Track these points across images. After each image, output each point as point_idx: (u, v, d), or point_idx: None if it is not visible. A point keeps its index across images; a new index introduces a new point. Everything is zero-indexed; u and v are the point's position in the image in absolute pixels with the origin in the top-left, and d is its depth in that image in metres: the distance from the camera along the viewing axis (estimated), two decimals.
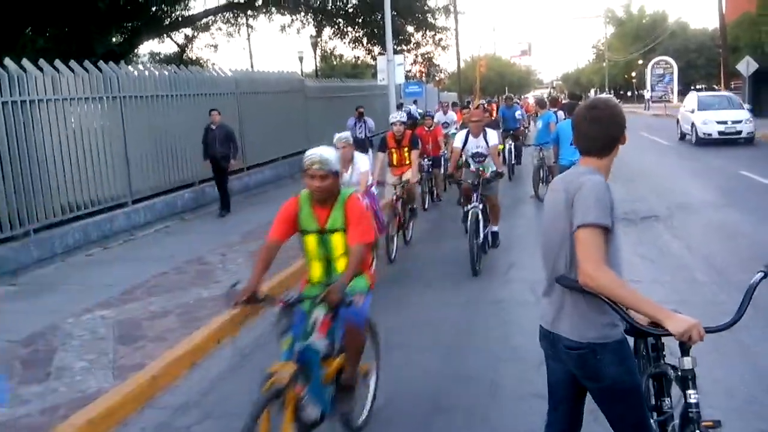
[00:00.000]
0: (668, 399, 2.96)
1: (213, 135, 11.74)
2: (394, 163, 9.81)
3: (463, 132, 8.91)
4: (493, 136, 8.79)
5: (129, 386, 4.76)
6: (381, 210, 7.82)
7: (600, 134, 2.70)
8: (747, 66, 26.17)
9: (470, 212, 7.90)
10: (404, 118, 9.83)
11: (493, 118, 17.54)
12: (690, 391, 2.62)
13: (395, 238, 8.81)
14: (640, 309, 2.50)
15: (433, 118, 13.98)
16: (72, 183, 9.57)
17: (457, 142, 8.83)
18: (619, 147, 2.74)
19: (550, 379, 2.90)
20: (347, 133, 7.27)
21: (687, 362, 2.61)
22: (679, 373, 2.67)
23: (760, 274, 2.72)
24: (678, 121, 24.57)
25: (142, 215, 10.86)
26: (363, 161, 7.66)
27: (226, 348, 5.86)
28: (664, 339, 2.99)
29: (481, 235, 7.99)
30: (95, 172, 10.07)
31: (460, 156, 8.93)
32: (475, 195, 8.14)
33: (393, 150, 9.70)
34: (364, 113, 16.61)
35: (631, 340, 2.89)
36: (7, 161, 8.51)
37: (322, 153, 3.71)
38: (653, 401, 3.03)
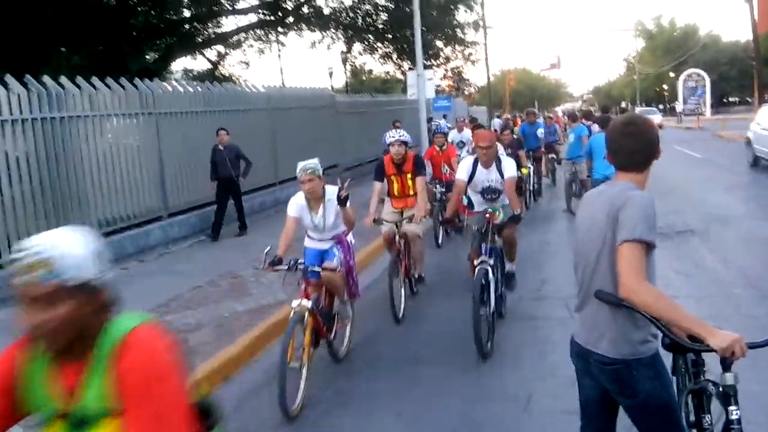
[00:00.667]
0: (709, 416, 2.93)
1: (222, 156, 11.32)
2: (395, 193, 7.70)
3: (470, 159, 6.78)
4: (510, 166, 6.60)
5: None
6: (356, 268, 6.07)
7: (637, 149, 2.72)
8: None
9: (477, 270, 5.90)
10: (405, 138, 7.36)
11: (515, 136, 14.55)
12: (732, 408, 2.59)
13: (401, 291, 7.08)
14: (682, 324, 2.49)
15: (446, 135, 12.12)
16: (108, 197, 9.77)
17: (461, 173, 6.67)
18: (653, 162, 2.75)
19: (582, 396, 2.90)
20: (314, 162, 5.39)
21: (729, 378, 2.58)
22: (721, 389, 2.65)
23: None
24: (749, 142, 18.15)
25: (177, 229, 11.02)
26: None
27: (260, 362, 5.91)
28: (704, 355, 2.96)
29: (492, 303, 5.94)
30: (131, 186, 10.26)
31: (465, 192, 6.89)
32: (483, 247, 6.17)
33: (393, 177, 7.59)
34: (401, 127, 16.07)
35: (667, 356, 2.87)
36: (46, 176, 8.72)
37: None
38: (693, 417, 3.00)
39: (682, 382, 3.01)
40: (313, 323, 5.18)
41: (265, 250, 5.17)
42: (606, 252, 2.62)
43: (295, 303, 5.06)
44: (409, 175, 7.50)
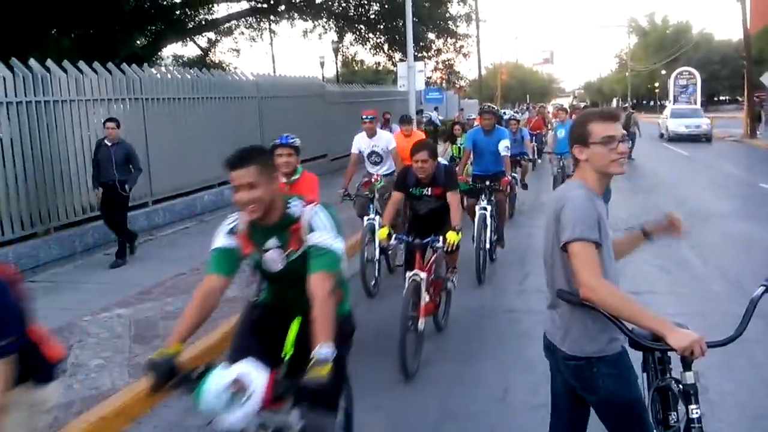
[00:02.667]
0: (674, 413, 2.95)
1: (107, 154, 8.63)
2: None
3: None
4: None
5: (143, 385, 4.82)
6: None
7: None
8: None
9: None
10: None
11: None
12: (692, 406, 2.60)
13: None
14: (641, 322, 2.50)
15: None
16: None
17: None
18: None
19: (552, 389, 2.92)
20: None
21: (689, 377, 2.60)
22: (681, 388, 2.67)
23: (762, 288, 2.72)
24: None
25: (162, 216, 10.98)
26: None
27: None
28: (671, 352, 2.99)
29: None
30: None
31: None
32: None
33: None
34: (391, 119, 15.66)
35: (637, 354, 2.90)
36: (29, 160, 8.66)
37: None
38: (660, 415, 3.02)
39: (651, 379, 3.04)
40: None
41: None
42: (557, 251, 2.64)
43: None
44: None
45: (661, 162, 20.76)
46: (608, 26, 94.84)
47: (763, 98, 37.18)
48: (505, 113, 18.99)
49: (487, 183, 8.35)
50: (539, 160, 19.02)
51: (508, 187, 9.24)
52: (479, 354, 5.65)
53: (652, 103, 74.60)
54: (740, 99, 53.52)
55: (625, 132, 2.71)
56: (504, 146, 8.56)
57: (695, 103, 57.05)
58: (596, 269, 2.48)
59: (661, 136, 31.16)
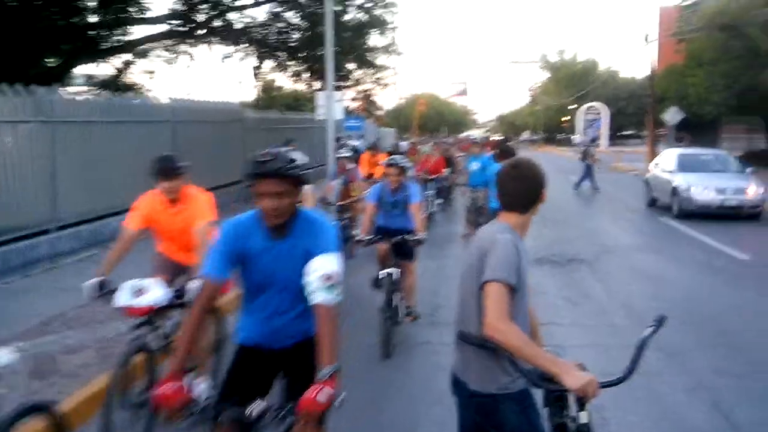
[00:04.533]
0: None
1: None
2: None
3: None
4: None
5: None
6: None
7: (522, 192, 2.84)
8: (673, 116, 27.40)
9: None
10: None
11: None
12: None
13: None
14: (538, 364, 2.59)
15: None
16: None
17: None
18: (539, 205, 2.88)
19: (459, 424, 2.98)
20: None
21: (583, 416, 2.73)
22: (576, 427, 2.78)
23: (650, 329, 2.87)
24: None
25: (67, 243, 10.56)
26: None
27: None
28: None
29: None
30: (19, 196, 9.77)
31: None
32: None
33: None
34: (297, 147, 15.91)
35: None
36: None
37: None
38: None
39: (552, 414, 3.13)
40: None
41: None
42: (476, 290, 2.72)
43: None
44: None
45: (569, 194, 21.53)
46: (520, 62, 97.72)
47: (664, 134, 39.22)
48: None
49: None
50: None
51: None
52: (390, 388, 5.67)
53: (560, 136, 77.41)
54: (643, 134, 56.31)
55: None
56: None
57: (602, 138, 59.89)
58: (503, 311, 2.58)
59: (653, 203, 18.20)
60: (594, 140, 23.03)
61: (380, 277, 6.64)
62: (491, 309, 2.58)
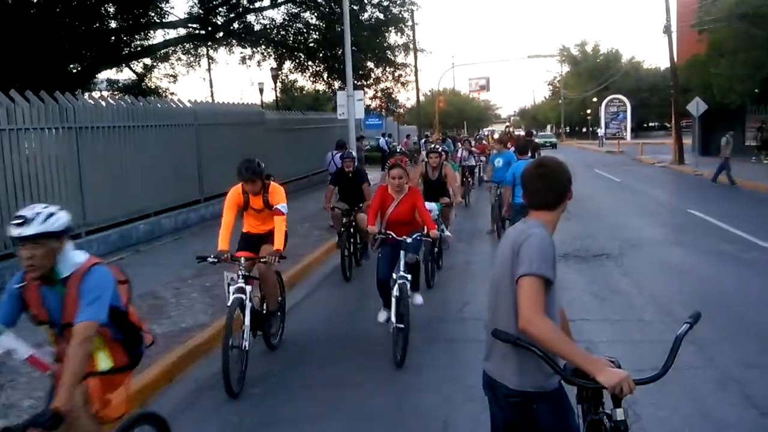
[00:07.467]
0: None
1: None
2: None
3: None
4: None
5: None
6: None
7: (547, 191, 2.84)
8: (697, 107, 27.04)
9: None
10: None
11: None
12: None
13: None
14: (574, 360, 2.60)
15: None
16: None
17: None
18: (566, 202, 2.87)
19: (492, 423, 2.98)
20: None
21: (619, 413, 2.71)
22: (611, 424, 2.77)
23: (686, 326, 2.85)
24: None
25: (96, 247, 10.70)
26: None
27: (179, 386, 5.79)
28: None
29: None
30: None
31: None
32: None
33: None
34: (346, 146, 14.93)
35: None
36: None
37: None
38: None
39: (585, 411, 3.12)
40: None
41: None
42: (510, 286, 2.72)
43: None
44: None
45: (594, 188, 21.35)
46: (540, 56, 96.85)
47: (690, 125, 38.73)
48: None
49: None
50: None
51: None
52: (420, 385, 5.67)
53: (584, 129, 76.74)
54: (668, 126, 55.71)
55: None
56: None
57: (625, 130, 59.28)
58: (539, 305, 2.58)
59: None
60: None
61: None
62: (527, 303, 2.58)
